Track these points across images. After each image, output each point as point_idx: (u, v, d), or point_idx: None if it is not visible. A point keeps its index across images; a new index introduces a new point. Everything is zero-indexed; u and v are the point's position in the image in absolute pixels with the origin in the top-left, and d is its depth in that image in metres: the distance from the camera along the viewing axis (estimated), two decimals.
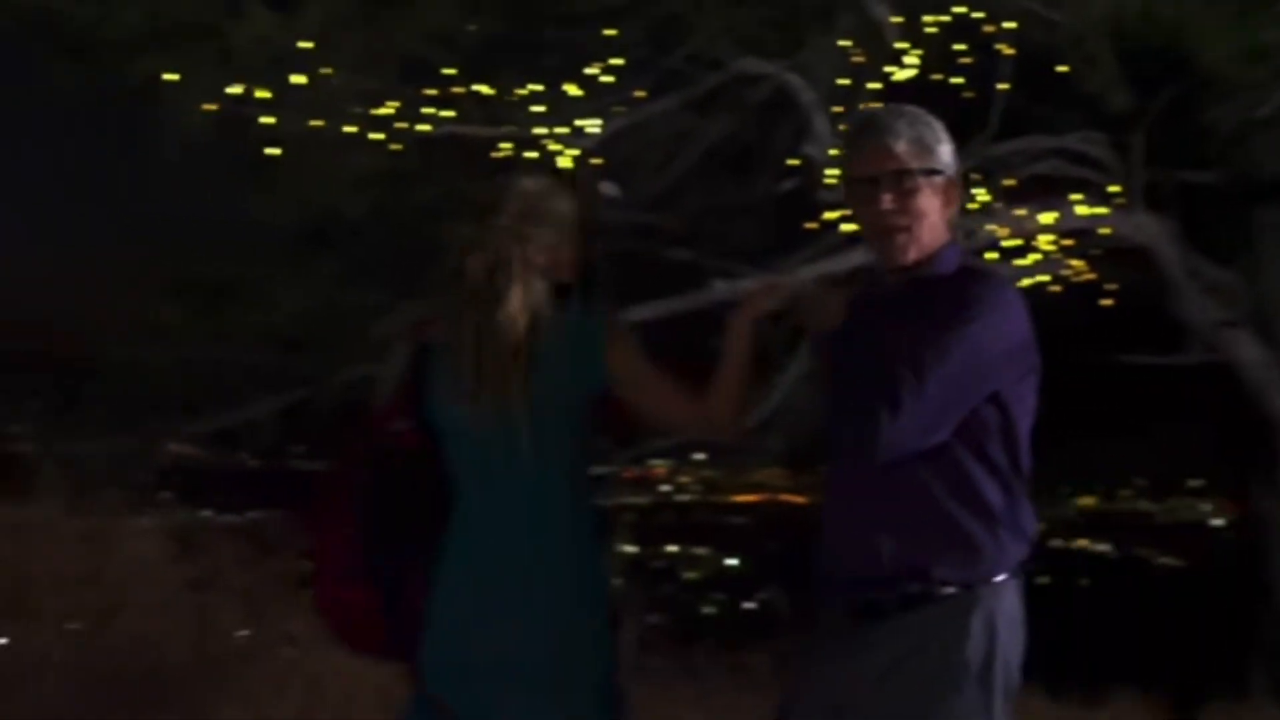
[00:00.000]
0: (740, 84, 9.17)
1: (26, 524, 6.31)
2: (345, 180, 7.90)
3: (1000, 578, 3.11)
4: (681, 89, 8.88)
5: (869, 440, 2.99)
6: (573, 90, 8.20)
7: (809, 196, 9.21)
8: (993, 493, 3.10)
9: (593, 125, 8.24)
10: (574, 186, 3.69)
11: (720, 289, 9.29)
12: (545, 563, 3.30)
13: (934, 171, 3.20)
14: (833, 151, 8.82)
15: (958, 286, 3.14)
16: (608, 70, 8.54)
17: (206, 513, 7.65)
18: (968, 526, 3.08)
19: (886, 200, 3.16)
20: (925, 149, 3.19)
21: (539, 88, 8.17)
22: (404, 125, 7.87)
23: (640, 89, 8.72)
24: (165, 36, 7.28)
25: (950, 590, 3.07)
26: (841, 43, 8.58)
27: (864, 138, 3.24)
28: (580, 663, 3.29)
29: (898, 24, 8.24)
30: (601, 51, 8.51)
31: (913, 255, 3.19)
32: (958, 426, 3.06)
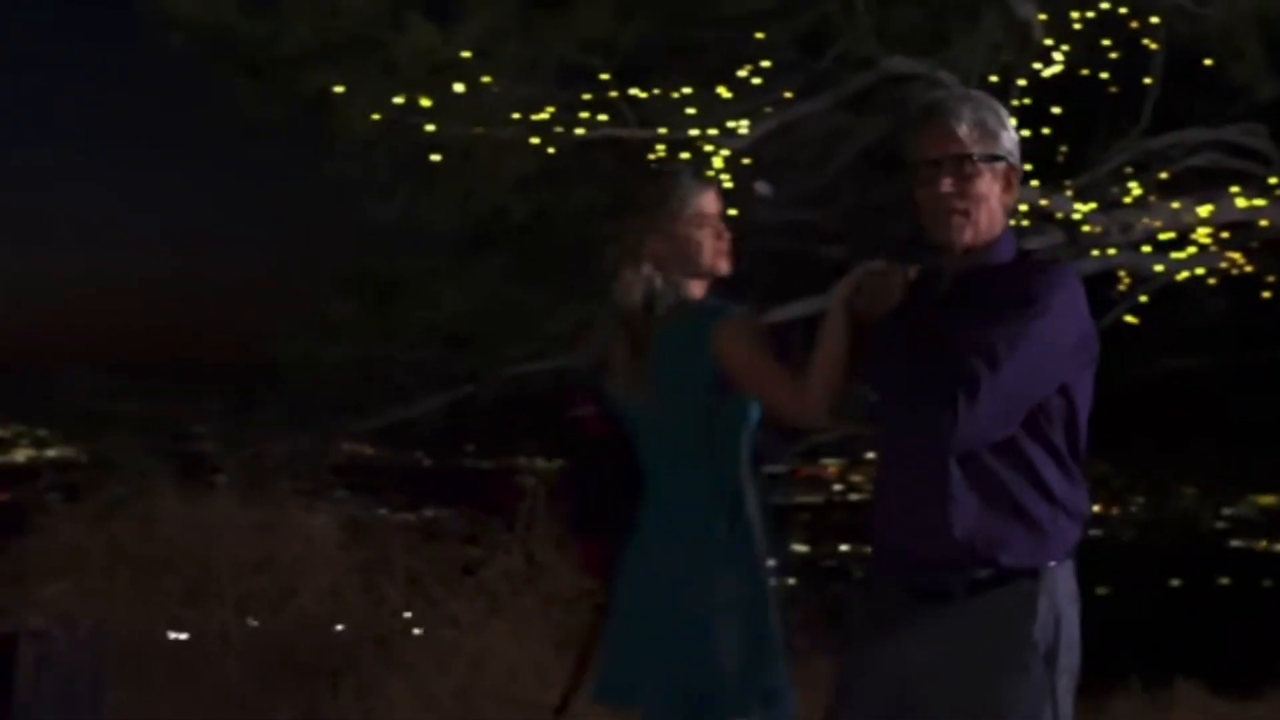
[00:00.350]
0: (891, 83, 9.29)
1: (207, 516, 6.69)
2: (506, 183, 8.18)
3: (1061, 560, 3.16)
4: (832, 88, 9.01)
5: (945, 431, 3.01)
6: (724, 92, 8.38)
7: None
8: (1054, 478, 3.14)
9: (743, 126, 8.39)
10: (718, 185, 3.92)
11: None
12: (700, 554, 3.45)
13: (995, 158, 3.22)
14: None
15: (1022, 276, 3.16)
16: (758, 72, 8.72)
17: (382, 511, 7.98)
18: (1032, 511, 3.12)
19: (946, 184, 3.19)
20: (988, 134, 3.22)
21: (689, 90, 8.35)
22: (561, 129, 8.13)
23: (791, 89, 8.88)
24: (333, 51, 7.62)
25: (1017, 574, 3.11)
26: (989, 41, 8.65)
27: (928, 121, 3.26)
28: (740, 662, 3.38)
29: (1043, 21, 8.27)
30: (752, 54, 8.70)
31: (969, 238, 3.21)
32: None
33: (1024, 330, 3.05)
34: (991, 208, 3.25)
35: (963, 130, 3.20)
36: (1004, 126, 3.27)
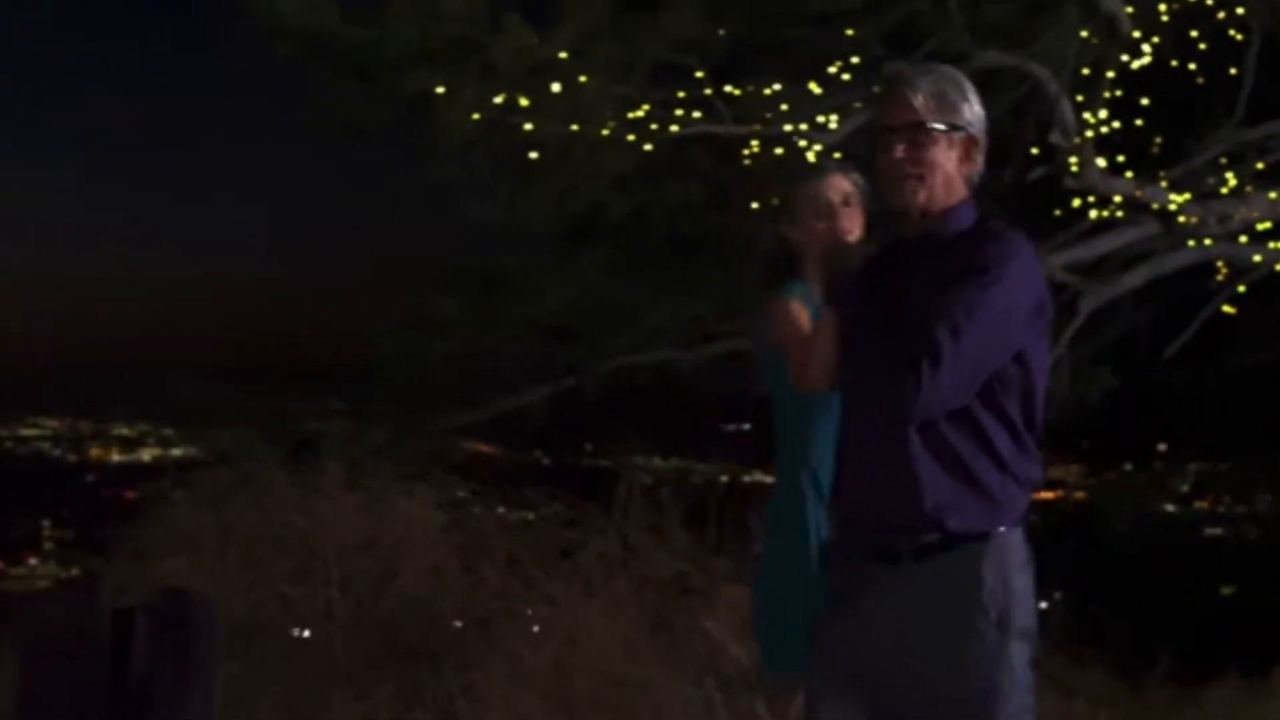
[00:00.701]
0: (984, 76, 9.39)
1: (312, 501, 6.98)
2: (603, 180, 8.41)
3: (1010, 526, 3.23)
4: None
5: (909, 398, 3.11)
6: (814, 88, 8.54)
7: (1056, 184, 9.37)
8: (1006, 447, 3.22)
9: (833, 121, 8.55)
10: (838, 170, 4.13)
11: None
12: None
13: (954, 127, 3.32)
14: (1077, 140, 8.99)
15: (977, 244, 3.24)
16: (848, 68, 8.88)
17: (500, 510, 8.21)
18: (984, 479, 3.20)
19: (899, 150, 3.28)
20: (946, 105, 3.32)
21: (781, 87, 8.52)
22: (656, 127, 8.34)
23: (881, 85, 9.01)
24: (434, 54, 7.90)
25: (965, 539, 3.19)
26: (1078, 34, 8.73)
27: (888, 91, 3.38)
28: None
29: (1130, 14, 8.34)
30: (842, 51, 8.86)
31: (922, 200, 3.28)
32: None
33: (982, 298, 3.14)
34: (949, 175, 3.33)
35: (919, 100, 3.30)
36: (966, 99, 3.38)
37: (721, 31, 8.47)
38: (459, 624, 7.09)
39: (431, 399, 9.69)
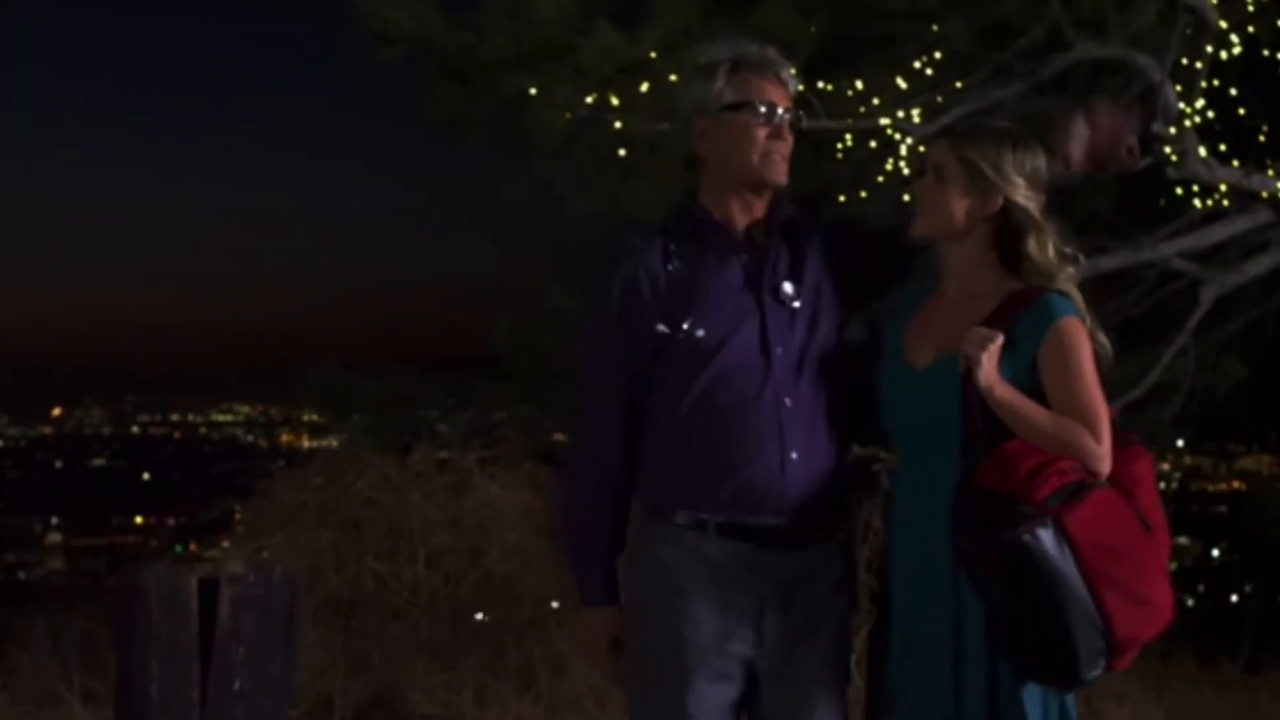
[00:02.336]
0: (1087, 66, 9.45)
1: (402, 480, 7.39)
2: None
3: None
4: (1023, 76, 9.23)
5: None
6: (901, 83, 8.69)
7: (1160, 174, 9.38)
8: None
9: (926, 115, 8.69)
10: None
11: (1081, 265, 9.59)
12: None
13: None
14: (1173, 130, 9.01)
15: None
16: (944, 61, 9.02)
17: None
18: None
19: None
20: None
21: (873, 82, 8.68)
22: None
23: (979, 78, 9.13)
24: (528, 56, 8.25)
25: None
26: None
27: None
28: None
29: (1215, 5, 8.35)
30: (937, 44, 9.00)
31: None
32: None
33: None
34: None
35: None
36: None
37: (813, 28, 8.65)
38: (552, 602, 7.42)
39: (546, 387, 10.02)
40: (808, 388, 3.64)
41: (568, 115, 8.21)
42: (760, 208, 3.72)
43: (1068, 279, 3.62)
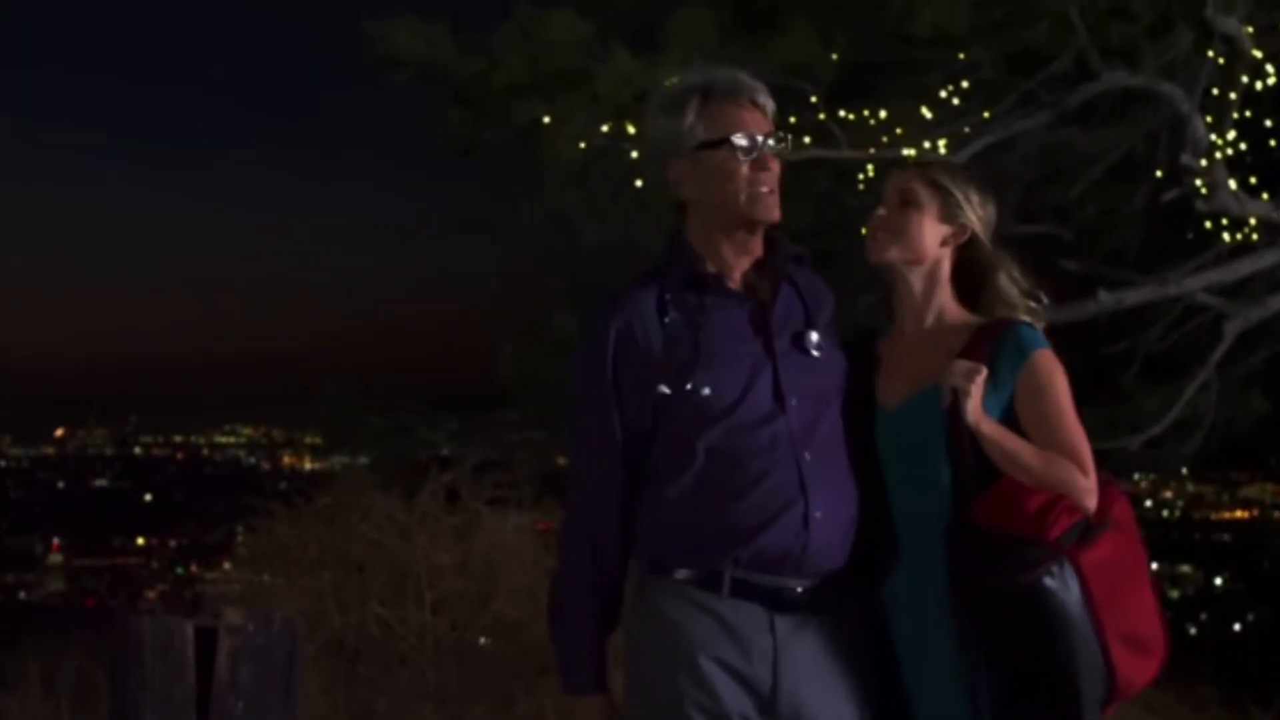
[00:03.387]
0: (1114, 96, 9.22)
1: (408, 521, 7.13)
2: None
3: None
4: (1049, 105, 8.99)
5: None
6: (926, 112, 8.46)
7: (1190, 206, 9.15)
8: None
9: (951, 145, 8.45)
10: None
11: (1105, 300, 9.36)
12: None
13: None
14: (1204, 162, 8.77)
15: None
16: (970, 90, 8.79)
17: None
18: None
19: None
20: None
21: (897, 111, 8.44)
22: None
23: (1009, 105, 8.90)
24: (542, 82, 8.00)
25: None
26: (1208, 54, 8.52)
27: None
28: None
29: (1251, 33, 8.12)
30: (963, 73, 8.77)
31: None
32: None
33: None
34: None
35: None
36: None
37: (834, 55, 8.41)
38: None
39: (553, 418, 9.78)
40: (827, 440, 3.39)
41: (582, 144, 7.94)
42: (757, 246, 3.44)
43: (1030, 313, 3.49)
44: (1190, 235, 9.49)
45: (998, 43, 8.83)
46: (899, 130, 8.49)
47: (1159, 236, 9.94)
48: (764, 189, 3.36)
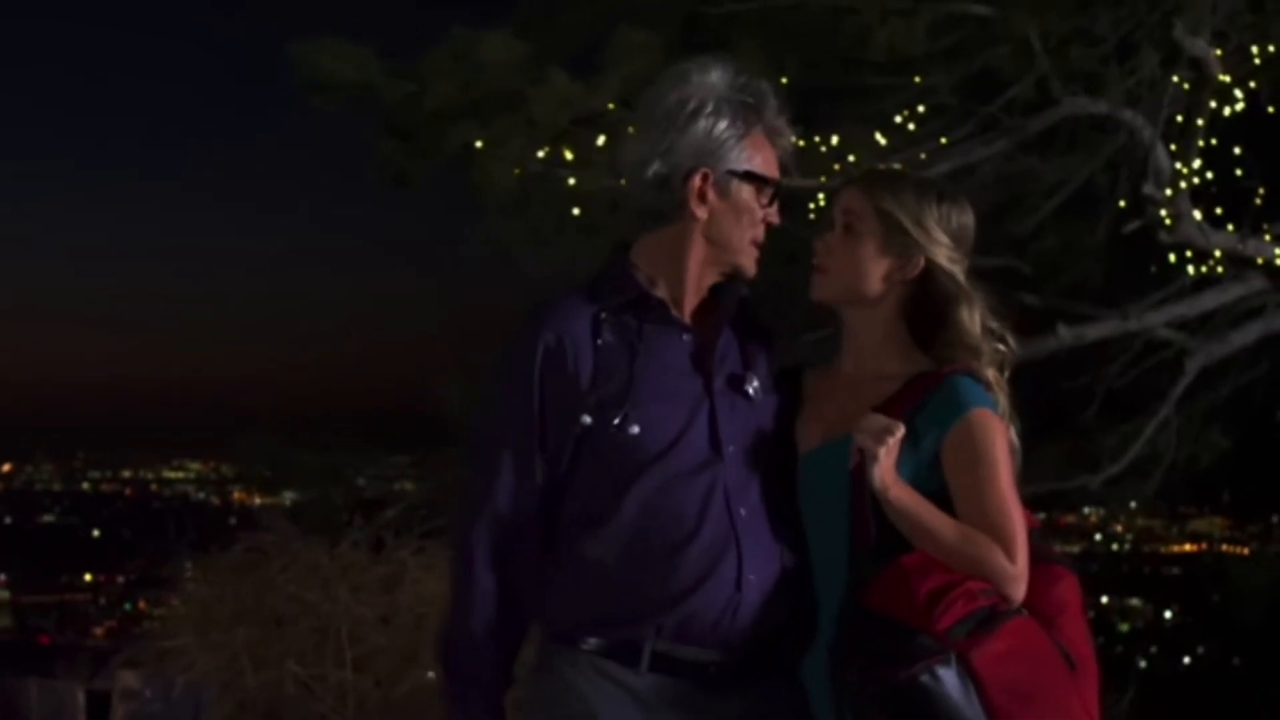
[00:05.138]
0: (1075, 123, 8.94)
1: (330, 572, 6.70)
2: None
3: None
4: (1007, 132, 8.67)
5: None
6: (880, 138, 8.11)
7: (1153, 238, 8.86)
8: None
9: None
10: None
11: (1065, 335, 9.05)
12: None
13: None
14: (1168, 192, 8.47)
15: None
16: (929, 114, 8.48)
17: None
18: None
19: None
20: None
21: (847, 138, 8.10)
22: None
23: (966, 131, 8.59)
24: (475, 106, 7.60)
25: None
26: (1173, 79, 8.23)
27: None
28: None
29: (1219, 55, 7.81)
30: (917, 99, 8.45)
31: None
32: None
33: None
34: None
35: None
36: None
37: (784, 80, 8.04)
38: None
39: None
40: (763, 493, 2.98)
41: (518, 170, 7.54)
42: (708, 286, 3.06)
43: (995, 357, 3.04)
44: (1153, 268, 9.21)
45: (955, 67, 8.53)
46: (851, 157, 8.12)
47: (1120, 269, 9.64)
48: (759, 241, 3.05)
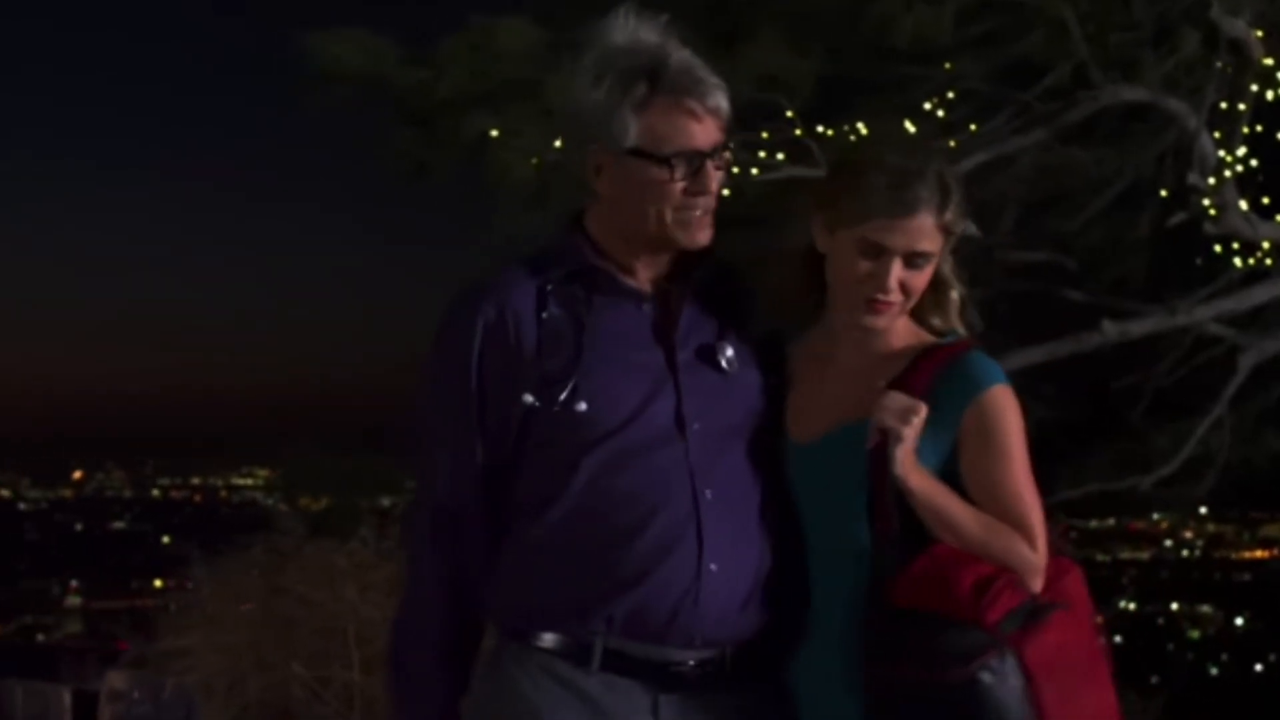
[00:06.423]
0: (1114, 113, 8.68)
1: (338, 573, 6.56)
2: None
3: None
4: (1049, 119, 8.41)
5: None
6: (909, 126, 7.87)
7: (1198, 230, 8.58)
8: None
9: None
10: None
11: (1109, 331, 8.80)
12: None
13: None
14: (1212, 181, 8.19)
15: None
16: (962, 102, 8.26)
17: None
18: None
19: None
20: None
21: (861, 127, 7.88)
22: (737, 170, 7.76)
23: (1001, 121, 8.36)
24: (490, 95, 7.45)
25: None
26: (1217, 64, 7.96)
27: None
28: None
29: (1260, 37, 7.53)
30: (952, 84, 8.23)
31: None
32: None
33: None
34: None
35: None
36: None
37: (806, 68, 7.84)
38: None
39: None
40: (734, 475, 2.74)
41: (534, 160, 7.36)
42: (669, 259, 2.80)
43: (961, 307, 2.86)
44: (1199, 261, 8.92)
45: (988, 55, 8.26)
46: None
47: (1165, 263, 9.36)
48: (697, 213, 2.73)
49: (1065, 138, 8.64)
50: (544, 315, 2.73)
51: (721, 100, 2.74)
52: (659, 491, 2.67)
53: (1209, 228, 8.40)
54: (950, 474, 2.72)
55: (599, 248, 2.78)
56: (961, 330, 2.84)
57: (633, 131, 2.69)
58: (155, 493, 71.56)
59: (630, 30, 2.76)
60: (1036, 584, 2.65)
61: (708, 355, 2.77)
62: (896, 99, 8.23)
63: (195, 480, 70.63)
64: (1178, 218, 8.61)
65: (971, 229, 8.35)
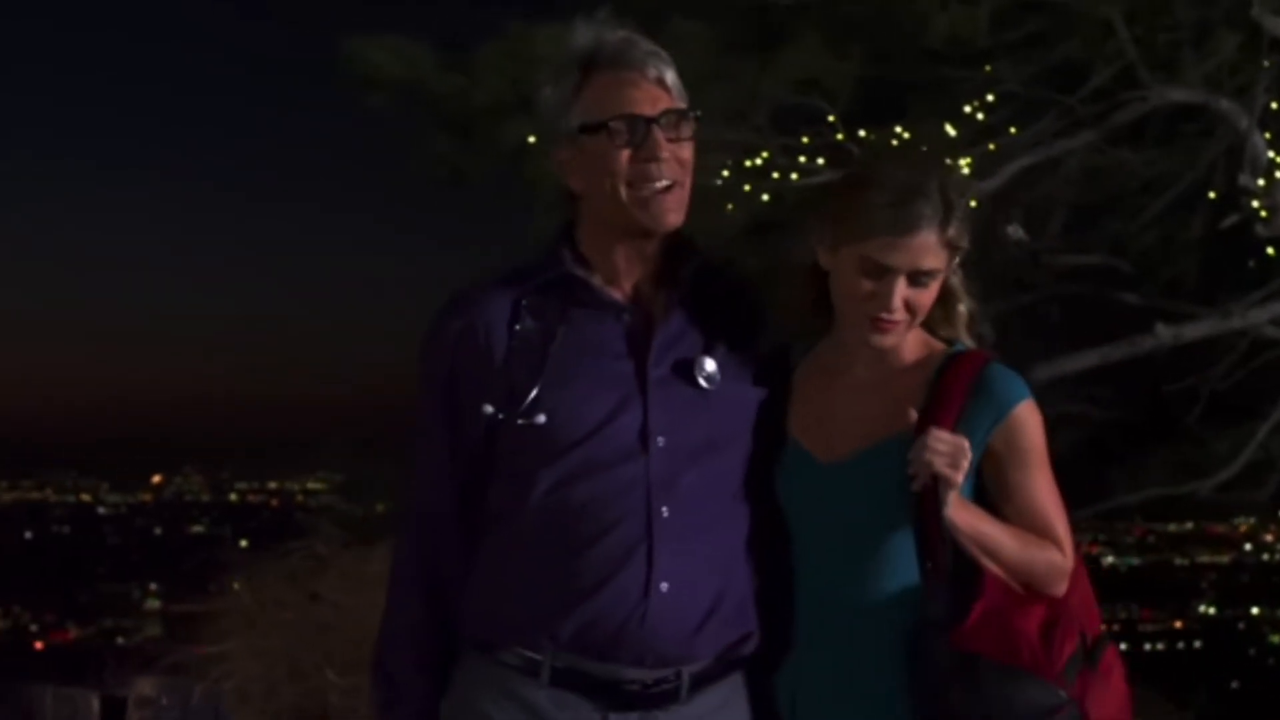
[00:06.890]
0: (1162, 113, 8.56)
1: (371, 579, 6.56)
2: (716, 234, 7.75)
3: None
4: (1095, 121, 8.32)
5: None
6: (950, 129, 7.81)
7: (1250, 232, 8.45)
8: None
9: (974, 164, 7.80)
10: None
11: (1163, 334, 8.69)
12: None
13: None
14: (1262, 182, 8.07)
15: None
16: (1005, 105, 8.17)
17: None
18: None
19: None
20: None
21: (900, 130, 7.82)
22: (777, 175, 7.74)
23: (1046, 123, 8.26)
24: (528, 101, 7.44)
25: None
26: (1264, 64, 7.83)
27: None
28: None
29: None
30: (994, 86, 8.14)
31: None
32: None
33: None
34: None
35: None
36: None
37: (849, 71, 7.78)
38: None
39: None
40: (694, 493, 2.68)
41: None
42: (654, 255, 2.76)
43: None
44: (1252, 263, 8.78)
45: (1029, 57, 8.16)
46: (924, 149, 7.83)
47: (1219, 266, 9.23)
48: (654, 185, 2.66)
49: (1114, 140, 8.54)
50: (516, 327, 2.72)
51: (664, 69, 2.73)
52: (614, 507, 2.64)
53: (1260, 230, 8.28)
54: (975, 488, 2.70)
55: (581, 255, 2.76)
56: (970, 344, 2.80)
57: (575, 111, 2.70)
58: (233, 497, 72.14)
59: (578, 29, 2.77)
60: (1062, 587, 2.64)
61: (684, 370, 2.73)
62: (938, 102, 8.14)
63: (271, 484, 71.19)
64: (1230, 220, 8.49)
65: (1019, 233, 8.35)
